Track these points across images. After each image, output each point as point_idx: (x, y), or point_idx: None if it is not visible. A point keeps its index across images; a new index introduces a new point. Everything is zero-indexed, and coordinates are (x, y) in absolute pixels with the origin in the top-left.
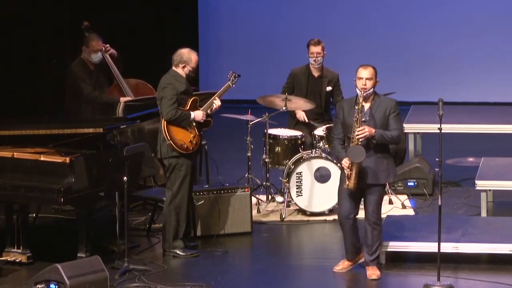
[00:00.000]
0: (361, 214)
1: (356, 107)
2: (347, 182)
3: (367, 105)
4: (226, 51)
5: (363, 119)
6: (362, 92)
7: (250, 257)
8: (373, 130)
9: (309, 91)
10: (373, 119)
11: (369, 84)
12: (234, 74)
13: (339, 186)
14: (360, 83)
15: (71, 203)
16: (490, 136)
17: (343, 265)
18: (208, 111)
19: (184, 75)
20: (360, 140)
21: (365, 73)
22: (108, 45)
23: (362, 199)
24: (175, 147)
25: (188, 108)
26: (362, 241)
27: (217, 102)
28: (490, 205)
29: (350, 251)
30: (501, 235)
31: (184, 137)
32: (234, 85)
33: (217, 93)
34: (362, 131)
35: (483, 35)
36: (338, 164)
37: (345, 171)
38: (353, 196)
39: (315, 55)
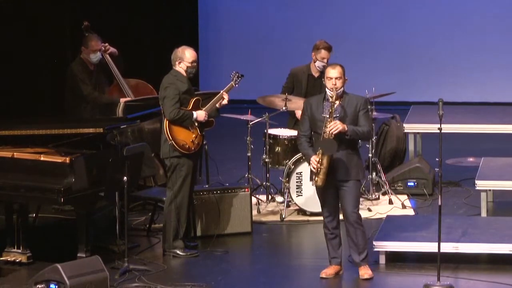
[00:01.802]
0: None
1: (329, 102)
2: (316, 179)
3: (337, 102)
4: (226, 51)
5: (335, 115)
6: (333, 91)
7: (250, 257)
8: (345, 126)
9: (309, 91)
10: (345, 115)
11: (339, 83)
12: (237, 74)
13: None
14: (330, 83)
15: (71, 203)
16: (490, 136)
17: (329, 271)
18: (217, 105)
19: (184, 73)
20: (333, 134)
21: (334, 72)
22: (107, 44)
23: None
24: (177, 147)
25: (190, 108)
26: (349, 243)
27: (225, 97)
28: (490, 205)
29: (333, 255)
30: (501, 235)
31: (186, 137)
32: (237, 85)
33: (222, 91)
34: (335, 125)
35: (483, 35)
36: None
37: (314, 167)
38: (331, 197)
39: (325, 61)
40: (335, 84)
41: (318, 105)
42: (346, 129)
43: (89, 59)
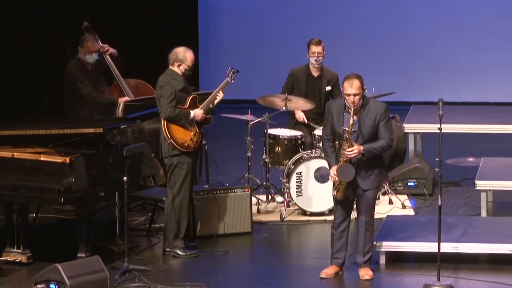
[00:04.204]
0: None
1: (349, 114)
2: (335, 193)
3: (355, 117)
4: (226, 51)
5: (353, 129)
6: (352, 106)
7: (250, 257)
8: (362, 148)
9: (309, 91)
10: (361, 131)
11: (357, 98)
12: (232, 70)
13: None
14: (349, 100)
15: (71, 203)
16: (490, 136)
17: (329, 271)
18: (210, 105)
19: (181, 74)
20: (350, 159)
21: (351, 90)
22: (106, 45)
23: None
24: (176, 145)
25: (187, 106)
26: (353, 244)
27: (219, 95)
28: (490, 205)
29: (336, 255)
30: (501, 235)
31: (185, 135)
32: (233, 81)
33: (217, 89)
34: (352, 152)
35: (483, 35)
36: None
37: (333, 179)
38: (347, 199)
39: (316, 55)
40: (354, 101)
41: (339, 116)
42: (362, 151)
43: (85, 59)
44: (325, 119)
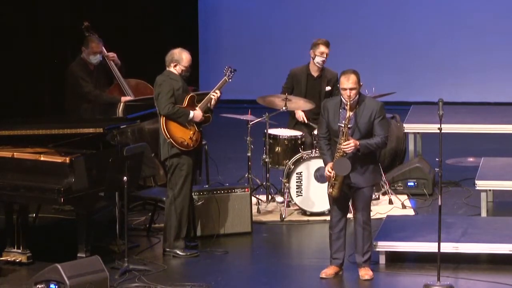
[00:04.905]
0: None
1: (345, 110)
2: (331, 190)
3: (351, 113)
4: (226, 51)
5: (349, 125)
6: (348, 101)
7: (250, 257)
8: (358, 143)
9: (308, 91)
10: (357, 127)
11: (354, 93)
12: (230, 68)
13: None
14: (345, 95)
15: (71, 203)
16: (490, 136)
17: (329, 271)
18: (209, 105)
19: (177, 74)
20: (347, 153)
21: (348, 84)
22: (113, 54)
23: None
24: (175, 144)
25: (185, 105)
26: (352, 244)
27: (216, 94)
28: (490, 205)
29: (335, 256)
30: (501, 235)
31: (184, 134)
32: (230, 80)
33: (214, 88)
34: (348, 146)
35: (482, 35)
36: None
37: (328, 175)
38: (343, 198)
39: (324, 56)
40: (350, 96)
41: (335, 114)
42: (358, 146)
43: (88, 60)
44: (321, 117)
